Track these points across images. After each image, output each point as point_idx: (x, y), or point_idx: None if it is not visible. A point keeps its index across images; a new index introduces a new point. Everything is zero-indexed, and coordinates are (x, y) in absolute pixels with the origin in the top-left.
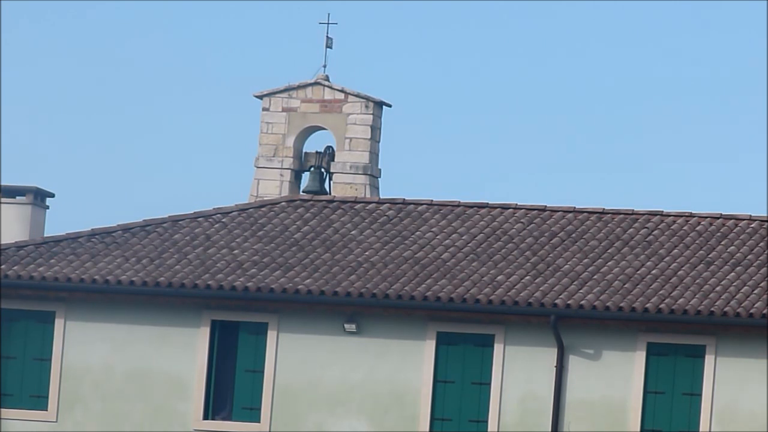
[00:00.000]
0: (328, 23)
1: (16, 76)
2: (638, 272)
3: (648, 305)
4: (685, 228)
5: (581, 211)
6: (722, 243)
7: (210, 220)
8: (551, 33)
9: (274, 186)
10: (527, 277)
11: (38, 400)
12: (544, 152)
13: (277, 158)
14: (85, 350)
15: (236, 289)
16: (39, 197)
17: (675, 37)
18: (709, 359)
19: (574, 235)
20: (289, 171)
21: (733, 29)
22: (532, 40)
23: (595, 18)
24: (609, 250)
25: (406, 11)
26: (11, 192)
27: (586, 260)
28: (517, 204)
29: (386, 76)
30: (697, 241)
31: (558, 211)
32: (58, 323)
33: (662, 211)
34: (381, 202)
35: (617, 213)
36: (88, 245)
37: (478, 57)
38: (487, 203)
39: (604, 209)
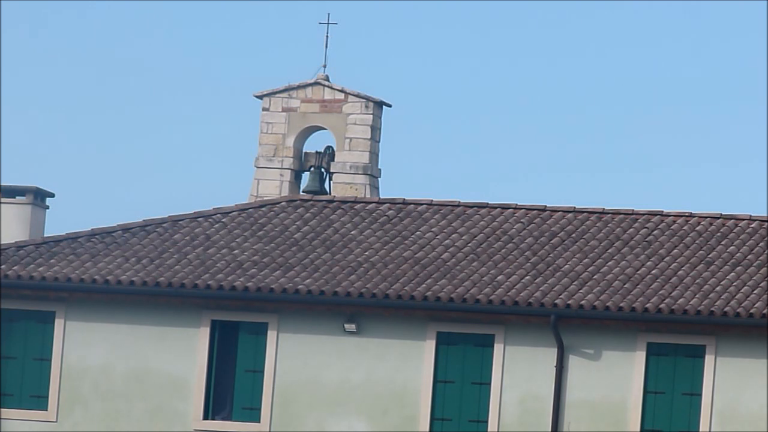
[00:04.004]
0: (328, 23)
1: (16, 76)
2: (638, 272)
3: (648, 305)
4: (685, 228)
5: (581, 211)
6: (722, 243)
7: (210, 220)
8: (551, 33)
9: (274, 186)
10: (527, 277)
11: (38, 400)
12: (544, 152)
13: (277, 158)
14: (85, 350)
15: (236, 289)
16: (39, 197)
17: (675, 37)
18: (709, 359)
19: (574, 235)
20: (289, 171)
21: (733, 29)
22: (532, 40)
23: (595, 18)
24: (609, 250)
25: (406, 11)
26: (11, 192)
27: (586, 260)
28: (517, 204)
29: (386, 76)
30: (697, 241)
31: (558, 211)
32: (58, 323)
33: (662, 211)
34: (381, 202)
35: (617, 213)
36: (88, 245)
37: (478, 57)
38: (487, 203)
39: (604, 209)
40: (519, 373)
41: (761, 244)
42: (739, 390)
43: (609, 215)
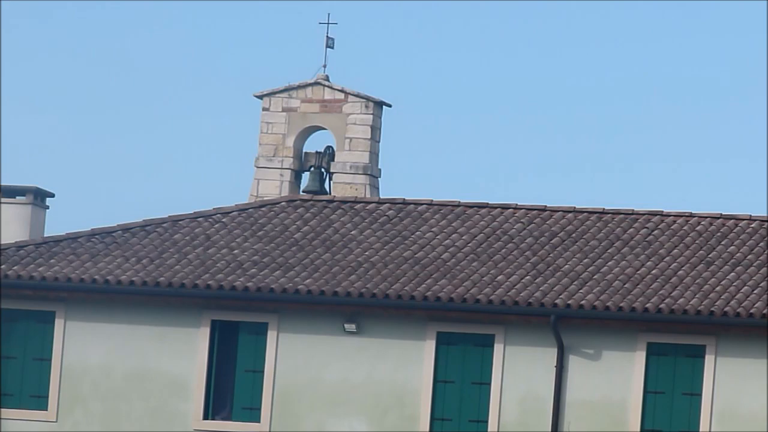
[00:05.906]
0: (328, 23)
1: (16, 76)
2: (638, 272)
3: (648, 305)
4: (685, 228)
5: (581, 211)
6: (722, 243)
7: (210, 220)
8: (551, 33)
9: (274, 186)
10: (527, 277)
11: (38, 400)
12: (544, 152)
13: (277, 158)
14: (85, 350)
15: (236, 289)
16: (39, 197)
17: (675, 37)
18: (709, 359)
19: (574, 235)
20: (289, 171)
21: (733, 29)
22: (532, 40)
23: (595, 18)
24: (609, 250)
25: (406, 11)
26: (11, 192)
27: (586, 260)
28: (517, 204)
29: (386, 76)
30: (697, 241)
31: (558, 211)
32: (58, 323)
33: (662, 211)
34: (381, 202)
35: (617, 213)
36: (88, 245)
37: (477, 57)
38: (487, 203)
39: (604, 209)
40: (519, 373)
41: (761, 244)
42: (739, 390)
43: (609, 215)
